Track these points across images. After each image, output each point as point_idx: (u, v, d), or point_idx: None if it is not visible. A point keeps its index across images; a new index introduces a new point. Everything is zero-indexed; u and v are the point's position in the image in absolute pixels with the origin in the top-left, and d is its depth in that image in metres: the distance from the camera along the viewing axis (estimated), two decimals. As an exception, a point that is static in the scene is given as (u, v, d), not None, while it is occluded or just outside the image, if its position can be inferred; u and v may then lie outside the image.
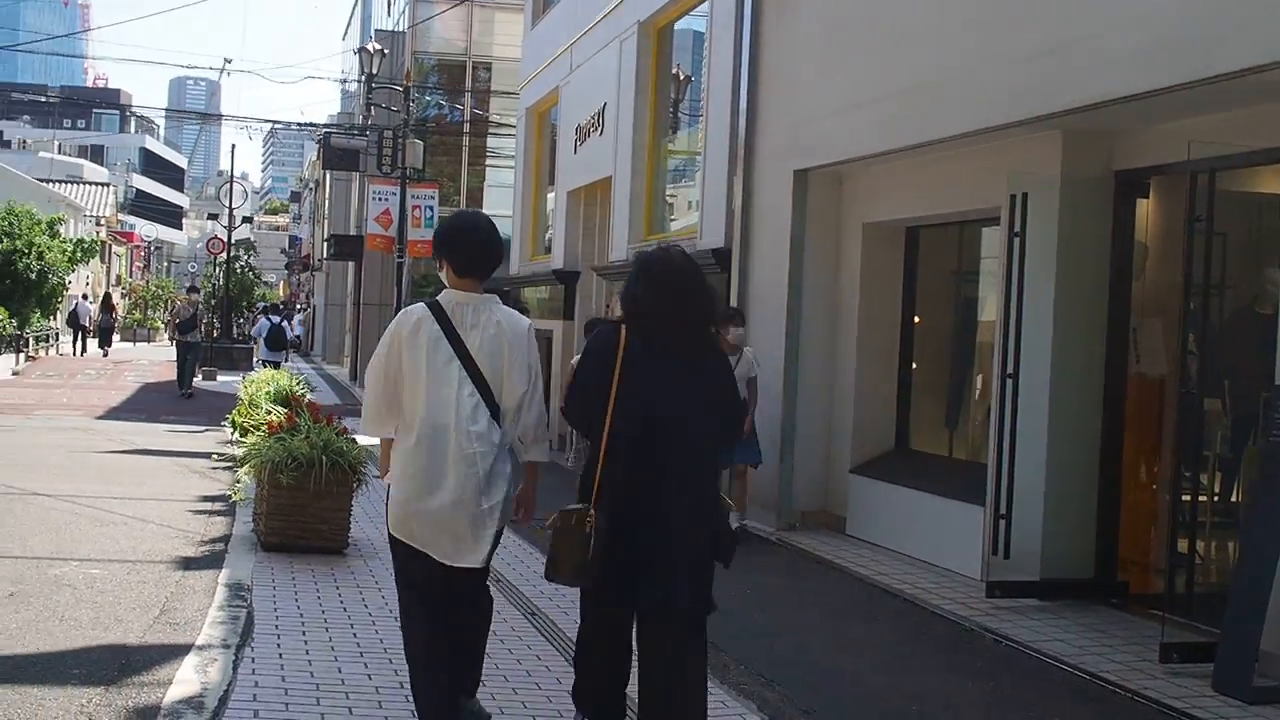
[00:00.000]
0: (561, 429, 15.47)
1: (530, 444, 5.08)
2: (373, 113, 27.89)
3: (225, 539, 9.58)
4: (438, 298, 5.06)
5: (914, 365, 11.04)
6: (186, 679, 5.72)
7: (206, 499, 11.60)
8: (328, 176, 44.21)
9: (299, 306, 64.17)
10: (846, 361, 11.15)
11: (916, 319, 11.02)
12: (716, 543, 4.95)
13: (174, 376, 29.81)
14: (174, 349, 28.01)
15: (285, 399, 12.04)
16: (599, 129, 17.74)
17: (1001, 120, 8.39)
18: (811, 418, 11.13)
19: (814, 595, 8.95)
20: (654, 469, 4.75)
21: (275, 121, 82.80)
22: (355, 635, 6.76)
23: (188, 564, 8.61)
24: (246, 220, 44.72)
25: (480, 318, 4.98)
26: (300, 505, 9.06)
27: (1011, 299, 8.45)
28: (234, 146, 39.63)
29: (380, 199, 24.58)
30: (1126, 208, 8.77)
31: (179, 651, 6.23)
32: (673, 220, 16.11)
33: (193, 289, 29.92)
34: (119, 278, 73.75)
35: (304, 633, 6.72)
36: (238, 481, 10.12)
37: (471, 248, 5.10)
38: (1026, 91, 8.12)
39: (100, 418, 20.53)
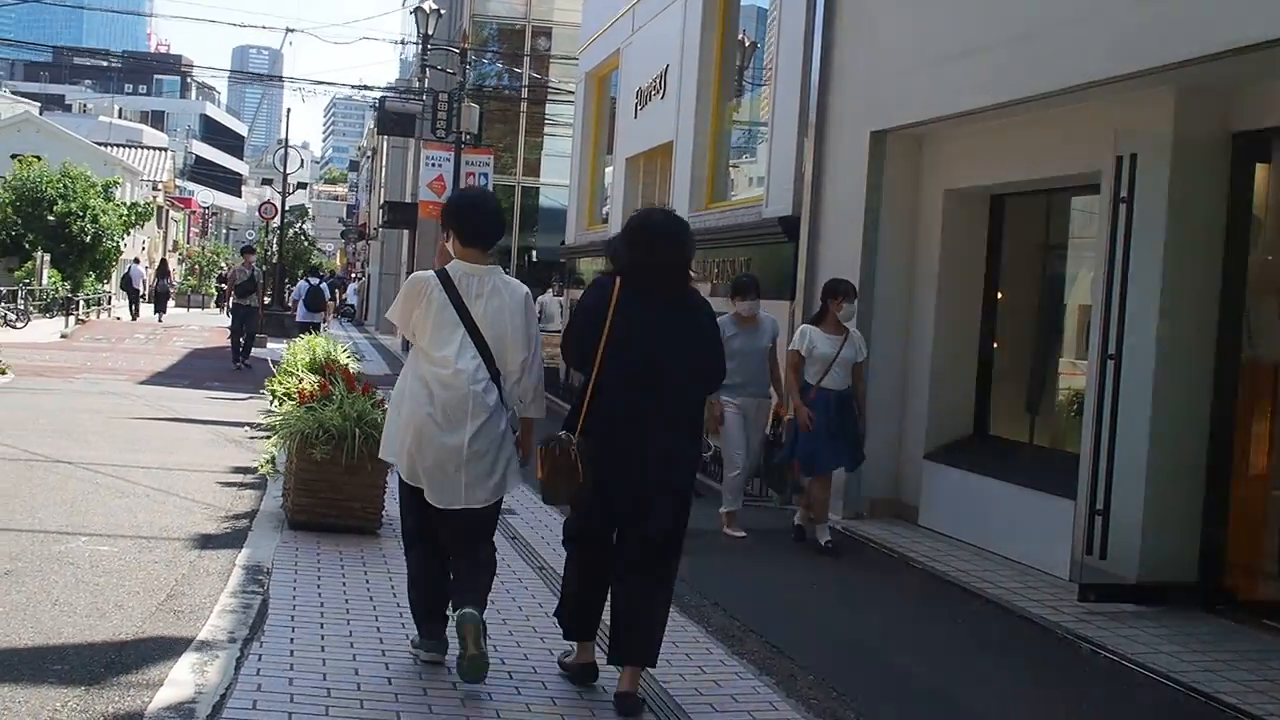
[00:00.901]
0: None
1: (529, 403, 5.56)
2: (428, 75, 27.20)
3: (251, 515, 8.94)
4: (445, 267, 5.50)
5: (996, 344, 10.19)
6: (180, 680, 5.03)
7: (238, 470, 10.98)
8: (384, 144, 43.70)
9: (354, 275, 63.85)
10: (923, 339, 10.32)
11: (1000, 294, 10.17)
12: (694, 470, 5.56)
13: (225, 343, 29.39)
14: (228, 315, 26.99)
15: (323, 366, 11.40)
16: (660, 92, 16.97)
17: (1115, 73, 7.53)
18: (883, 399, 10.28)
19: (886, 594, 8.20)
20: (638, 403, 5.24)
21: (330, 83, 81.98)
22: (379, 629, 6.08)
23: (206, 542, 7.96)
24: (301, 186, 44.27)
25: (485, 287, 5.43)
26: (330, 481, 8.40)
27: (1115, 272, 7.60)
28: (289, 110, 39.15)
29: (434, 164, 23.90)
30: (1244, 173, 7.88)
31: (178, 646, 5.56)
32: (734, 189, 15.30)
33: (249, 249, 28.39)
34: (176, 243, 73.84)
35: (322, 625, 6.04)
36: (266, 455, 9.45)
37: (478, 221, 5.57)
38: (1141, 40, 7.26)
39: (143, 383, 20.05)
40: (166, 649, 5.53)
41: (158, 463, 11.18)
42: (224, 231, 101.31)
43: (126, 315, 41.50)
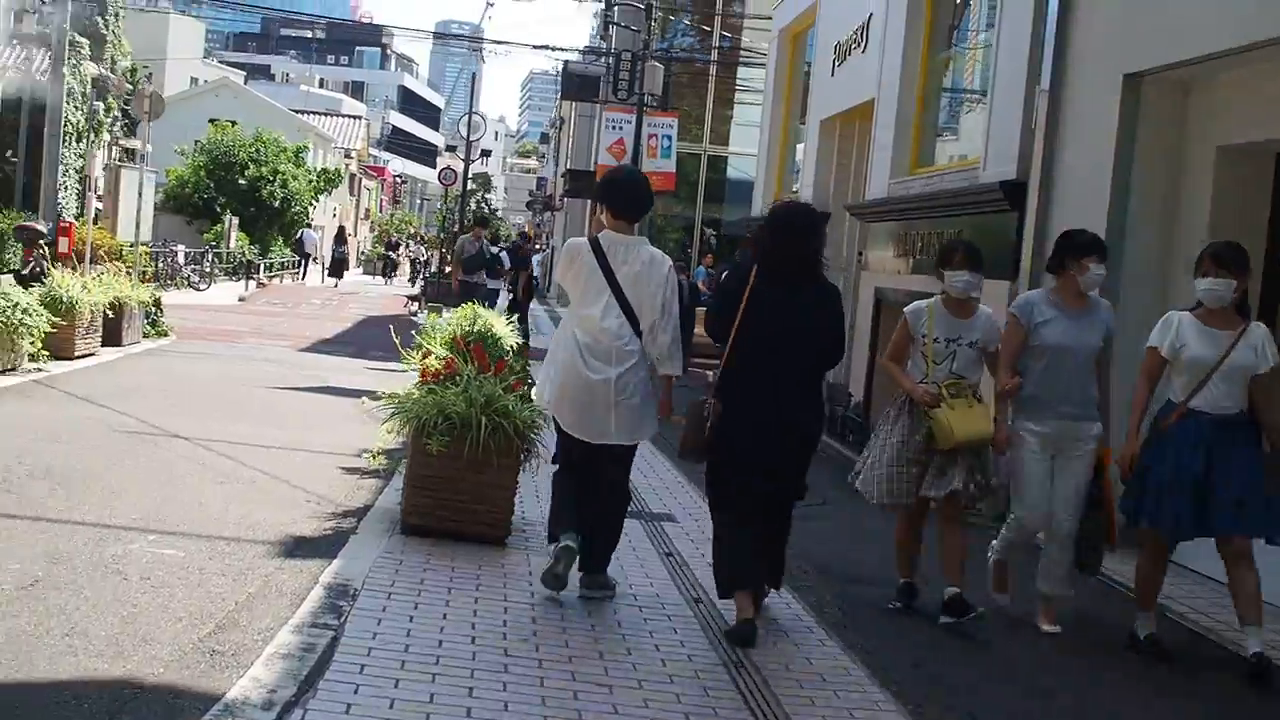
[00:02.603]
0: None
1: (665, 360, 6.12)
2: (614, 34, 25.79)
3: (364, 511, 7.60)
4: (597, 235, 6.17)
5: None
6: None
7: (368, 454, 9.67)
8: (572, 112, 42.60)
9: (537, 247, 63.19)
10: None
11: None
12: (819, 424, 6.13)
13: (399, 311, 28.60)
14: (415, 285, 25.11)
15: (456, 341, 10.07)
16: (861, 45, 15.17)
17: None
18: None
19: (1151, 666, 6.29)
20: (764, 375, 5.81)
21: (511, 43, 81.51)
22: (471, 692, 4.59)
23: (295, 548, 6.61)
24: (485, 153, 43.46)
25: (630, 255, 6.07)
26: (450, 479, 6.98)
27: None
28: (474, 75, 38.27)
29: (614, 126, 22.47)
30: None
31: (196, 706, 4.17)
32: (944, 151, 13.42)
33: (483, 221, 25.16)
34: (368, 211, 74.34)
35: (396, 685, 4.57)
36: (379, 445, 8.07)
37: (628, 195, 6.23)
38: None
39: (305, 350, 19.15)
40: (177, 712, 4.14)
41: (282, 441, 9.98)
42: (418, 202, 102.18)
43: (300, 279, 41.31)
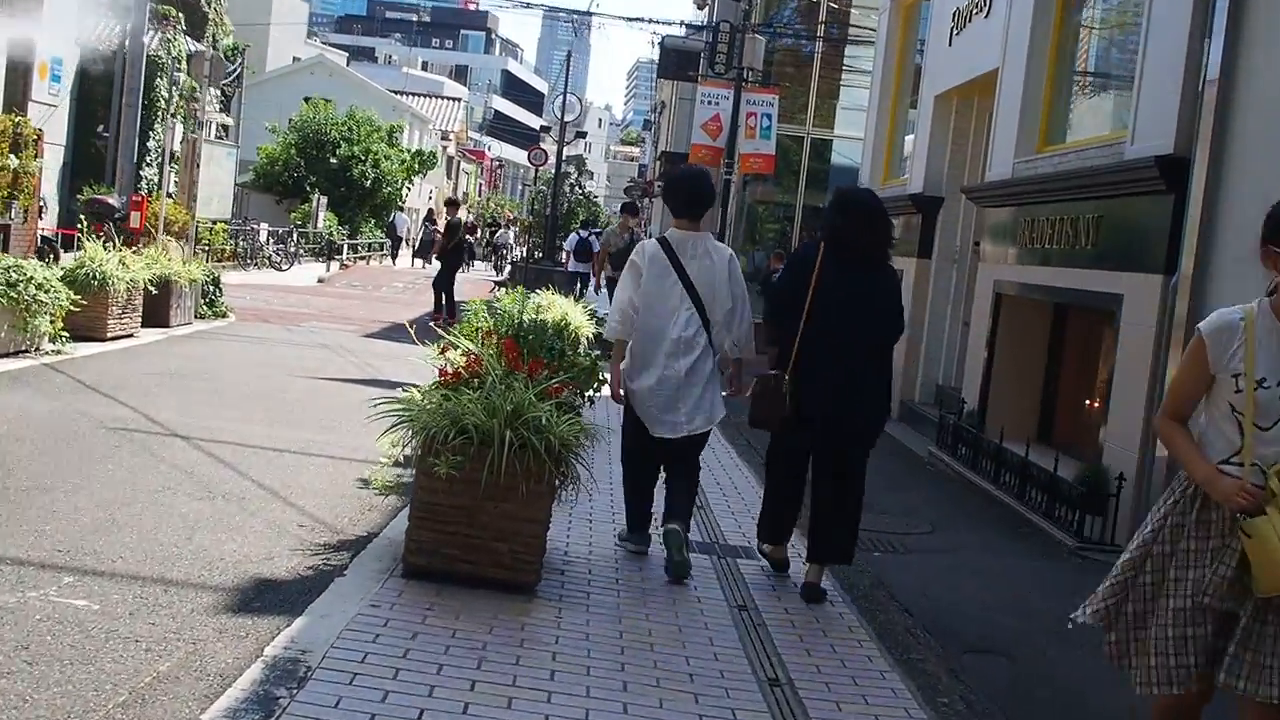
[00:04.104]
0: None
1: (742, 346, 6.56)
2: (713, 4, 24.20)
3: (364, 543, 6.18)
4: (665, 234, 6.59)
5: None
6: None
7: (377, 472, 8.28)
8: (672, 95, 41.09)
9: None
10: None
11: None
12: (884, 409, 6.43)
13: (487, 296, 27.33)
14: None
15: (518, 331, 8.65)
16: (984, 9, 13.48)
17: None
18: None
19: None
20: (832, 351, 6.13)
21: (605, 15, 80.00)
22: None
23: (254, 598, 5.17)
24: (580, 135, 42.07)
25: (698, 250, 6.47)
26: (464, 508, 5.54)
27: None
28: (569, 53, 36.86)
29: (709, 103, 20.84)
30: None
31: None
32: (1078, 126, 11.68)
33: (631, 208, 22.41)
34: (466, 195, 73.50)
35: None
36: (385, 459, 6.64)
37: (683, 195, 6.58)
38: None
39: (369, 335, 17.88)
40: None
41: (300, 444, 8.64)
42: (519, 187, 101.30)
43: (389, 261, 40.31)
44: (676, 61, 26.52)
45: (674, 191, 6.70)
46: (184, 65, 30.01)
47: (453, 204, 22.38)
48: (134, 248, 15.99)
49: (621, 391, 6.52)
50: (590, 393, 9.71)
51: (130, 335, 13.79)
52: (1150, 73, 9.08)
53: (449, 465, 5.40)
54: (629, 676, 4.68)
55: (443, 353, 6.25)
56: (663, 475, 6.66)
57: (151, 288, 14.37)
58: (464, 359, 6.05)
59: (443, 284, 20.88)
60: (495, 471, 5.41)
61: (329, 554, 5.91)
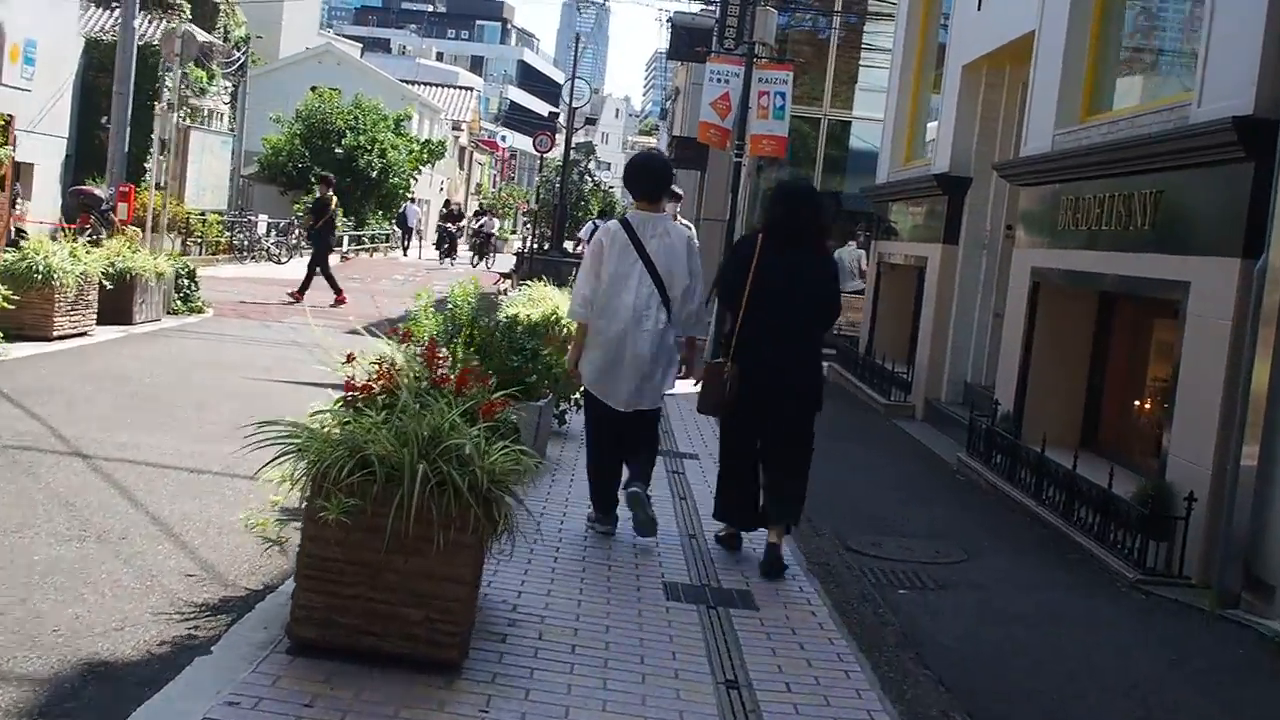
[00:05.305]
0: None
1: (694, 323, 6.83)
2: (721, -23, 22.77)
3: (253, 601, 4.91)
4: (626, 215, 6.90)
5: None
6: None
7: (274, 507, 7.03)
8: (685, 80, 39.73)
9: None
10: None
11: None
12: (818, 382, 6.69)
13: (489, 289, 26.06)
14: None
15: (474, 331, 7.44)
16: (1017, -34, 12.12)
17: None
18: None
19: None
20: (772, 334, 6.47)
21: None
22: None
23: (70, 696, 3.89)
24: (590, 122, 40.68)
25: (657, 230, 6.71)
26: (366, 565, 4.26)
27: None
28: (578, 36, 35.39)
29: (719, 80, 19.31)
30: None
31: None
32: (1129, 91, 10.31)
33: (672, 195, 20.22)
34: (479, 186, 72.18)
35: None
36: (255, 520, 5.35)
37: (644, 181, 6.86)
38: None
39: (351, 332, 16.57)
40: None
41: (226, 462, 7.37)
42: (535, 179, 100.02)
43: (399, 254, 39.06)
44: (687, 40, 25.16)
45: (632, 178, 6.93)
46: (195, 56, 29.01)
47: (324, 181, 21.49)
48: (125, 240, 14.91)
49: (579, 370, 6.80)
50: (576, 396, 8.53)
51: (83, 334, 12.62)
52: (1222, 23, 7.73)
53: (340, 509, 4.13)
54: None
55: (349, 360, 4.95)
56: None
57: (106, 282, 13.17)
58: (375, 371, 4.76)
59: (318, 262, 20.90)
60: (405, 517, 4.15)
61: (203, 619, 4.64)
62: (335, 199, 22.21)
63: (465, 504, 4.23)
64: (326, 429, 4.42)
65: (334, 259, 31.22)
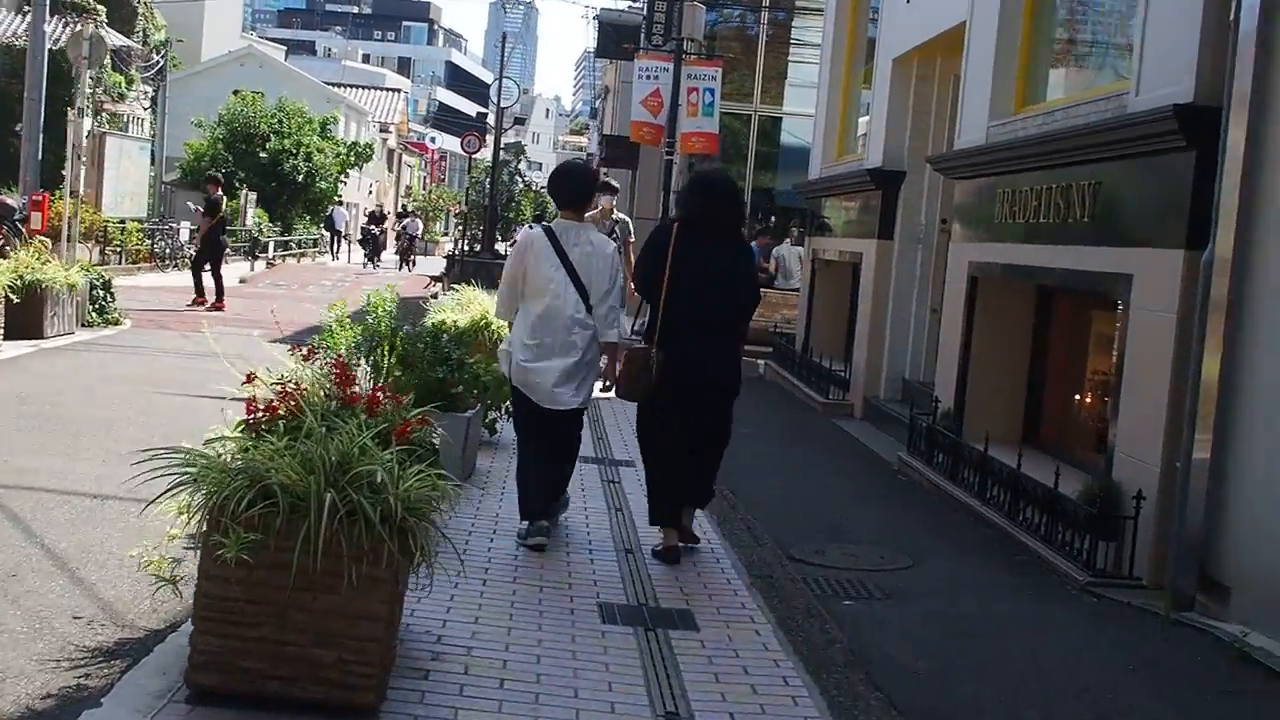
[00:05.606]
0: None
1: (606, 329, 6.76)
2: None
3: (152, 643, 4.54)
4: (550, 223, 6.95)
5: None
6: None
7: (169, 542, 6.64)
8: (615, 79, 39.42)
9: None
10: None
11: None
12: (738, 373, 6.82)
13: (420, 293, 25.62)
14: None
15: (394, 341, 7.10)
16: (947, -44, 11.93)
17: None
18: None
19: None
20: (692, 322, 6.55)
21: None
22: None
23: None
24: (519, 122, 40.22)
25: (579, 239, 6.77)
26: (272, 604, 3.91)
27: None
28: (504, 35, 35.01)
29: (648, 77, 19.12)
30: None
31: None
32: (1061, 82, 10.13)
33: (606, 185, 19.55)
34: (409, 189, 71.44)
35: None
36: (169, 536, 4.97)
37: (567, 190, 6.92)
38: None
39: (278, 340, 16.08)
40: None
41: (128, 489, 6.95)
42: (465, 180, 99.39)
43: (328, 258, 38.41)
44: (615, 38, 24.88)
45: (556, 186, 7.01)
46: (105, 59, 28.27)
47: (214, 181, 20.97)
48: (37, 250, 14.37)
49: (507, 370, 6.84)
50: (507, 404, 8.26)
51: (-15, 351, 12.09)
52: (1159, 8, 7.54)
53: (240, 545, 3.78)
54: None
55: (249, 380, 4.59)
56: None
57: (13, 295, 12.65)
58: (278, 391, 4.41)
59: (203, 264, 20.57)
60: (312, 551, 3.81)
61: (95, 665, 4.27)
62: (225, 198, 21.73)
63: (378, 536, 3.90)
64: (223, 456, 4.05)
65: (259, 266, 30.67)
